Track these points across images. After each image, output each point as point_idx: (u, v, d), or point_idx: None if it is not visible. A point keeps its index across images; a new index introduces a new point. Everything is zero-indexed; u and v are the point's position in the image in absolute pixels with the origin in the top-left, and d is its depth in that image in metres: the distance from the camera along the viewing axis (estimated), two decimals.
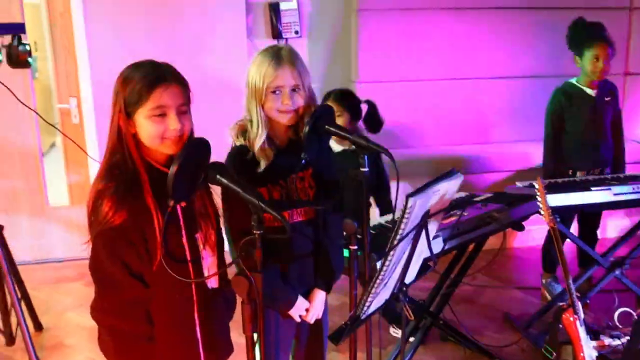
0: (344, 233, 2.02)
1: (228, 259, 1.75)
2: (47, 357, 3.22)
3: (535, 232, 4.17)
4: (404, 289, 1.88)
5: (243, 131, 1.99)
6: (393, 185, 3.07)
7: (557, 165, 3.59)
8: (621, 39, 4.47)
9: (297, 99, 1.93)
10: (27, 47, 3.10)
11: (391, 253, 1.65)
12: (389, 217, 2.77)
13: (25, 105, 3.30)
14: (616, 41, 3.52)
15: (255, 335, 1.63)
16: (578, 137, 3.57)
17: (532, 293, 3.86)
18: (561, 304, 2.74)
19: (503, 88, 4.69)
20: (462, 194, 3.08)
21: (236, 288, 1.59)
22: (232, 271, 1.66)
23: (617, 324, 3.27)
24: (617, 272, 3.28)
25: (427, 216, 1.73)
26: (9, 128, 4.16)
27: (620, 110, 3.74)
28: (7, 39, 3.07)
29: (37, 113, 3.64)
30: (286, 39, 4.28)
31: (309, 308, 2.09)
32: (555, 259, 3.64)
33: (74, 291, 3.89)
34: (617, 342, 2.96)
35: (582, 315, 2.61)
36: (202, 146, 1.59)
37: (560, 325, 2.68)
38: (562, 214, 2.83)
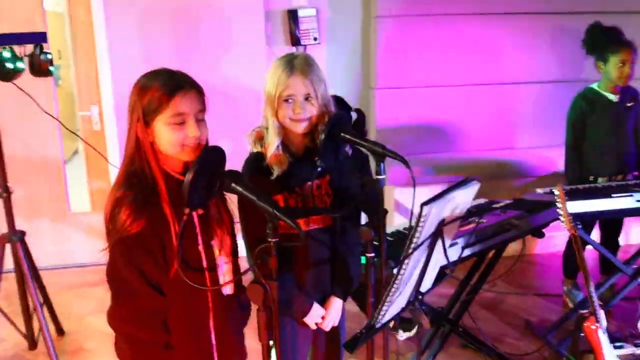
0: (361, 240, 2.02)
1: (243, 265, 1.76)
2: None
3: (556, 239, 4.11)
4: (420, 297, 1.86)
5: (260, 138, 2.01)
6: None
7: (578, 172, 3.55)
8: None
9: (310, 107, 1.93)
10: (49, 56, 3.16)
11: (406, 262, 1.64)
12: (406, 224, 2.75)
13: (47, 113, 3.36)
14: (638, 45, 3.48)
15: (271, 342, 1.63)
16: (599, 143, 3.52)
17: (554, 300, 3.82)
18: (583, 311, 2.70)
19: (525, 93, 4.65)
20: (482, 201, 3.06)
21: (251, 296, 1.59)
22: (247, 277, 1.67)
23: None
24: None
25: (442, 224, 1.71)
26: (32, 135, 4.22)
27: None
28: (29, 48, 3.13)
29: (59, 121, 3.70)
30: (305, 45, 4.30)
31: (324, 316, 2.09)
32: (576, 265, 3.59)
33: (95, 296, 3.93)
34: None
35: (604, 324, 2.57)
36: (217, 154, 1.60)
37: (582, 334, 2.64)
38: (583, 221, 2.79)
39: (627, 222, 3.98)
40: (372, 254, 1.98)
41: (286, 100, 1.92)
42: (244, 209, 1.92)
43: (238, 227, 1.90)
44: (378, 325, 1.77)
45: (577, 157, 3.56)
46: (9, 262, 3.22)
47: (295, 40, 4.31)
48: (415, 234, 1.62)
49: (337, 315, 2.13)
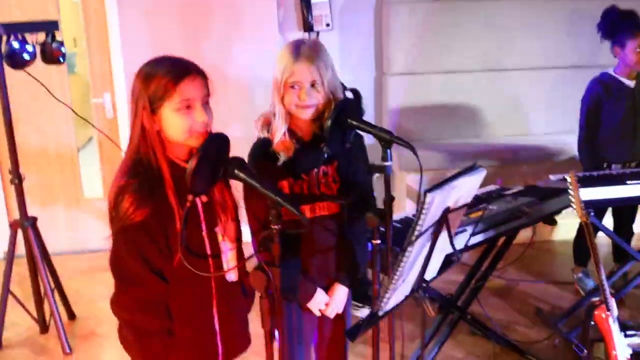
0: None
1: (248, 251, 1.76)
2: (79, 345, 3.31)
3: (569, 225, 4.07)
4: (425, 285, 1.86)
5: (267, 123, 2.00)
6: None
7: (592, 158, 3.50)
8: None
9: (315, 94, 1.92)
10: (61, 45, 3.18)
11: (409, 249, 1.63)
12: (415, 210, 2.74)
13: (60, 101, 3.38)
14: None
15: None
16: (615, 128, 3.46)
17: (565, 287, 3.78)
18: (594, 299, 2.67)
19: (541, 78, 4.59)
20: (492, 187, 3.03)
21: (254, 282, 1.60)
22: (252, 263, 1.67)
23: None
24: None
25: (447, 212, 1.70)
26: (46, 122, 4.26)
27: None
28: (41, 36, 3.15)
29: (71, 109, 3.73)
30: (317, 31, 4.27)
31: (328, 302, 2.09)
32: (587, 252, 3.56)
33: (108, 281, 3.91)
34: None
35: (615, 312, 2.54)
36: (221, 141, 1.60)
37: (592, 322, 2.62)
38: (596, 208, 2.76)
39: None
40: (378, 241, 1.98)
41: (292, 87, 1.92)
42: (249, 195, 1.92)
43: (243, 213, 1.90)
44: (381, 313, 1.76)
45: (591, 143, 3.51)
46: (21, 248, 3.26)
47: (307, 27, 4.27)
48: (418, 221, 1.61)
49: (341, 303, 2.13)
